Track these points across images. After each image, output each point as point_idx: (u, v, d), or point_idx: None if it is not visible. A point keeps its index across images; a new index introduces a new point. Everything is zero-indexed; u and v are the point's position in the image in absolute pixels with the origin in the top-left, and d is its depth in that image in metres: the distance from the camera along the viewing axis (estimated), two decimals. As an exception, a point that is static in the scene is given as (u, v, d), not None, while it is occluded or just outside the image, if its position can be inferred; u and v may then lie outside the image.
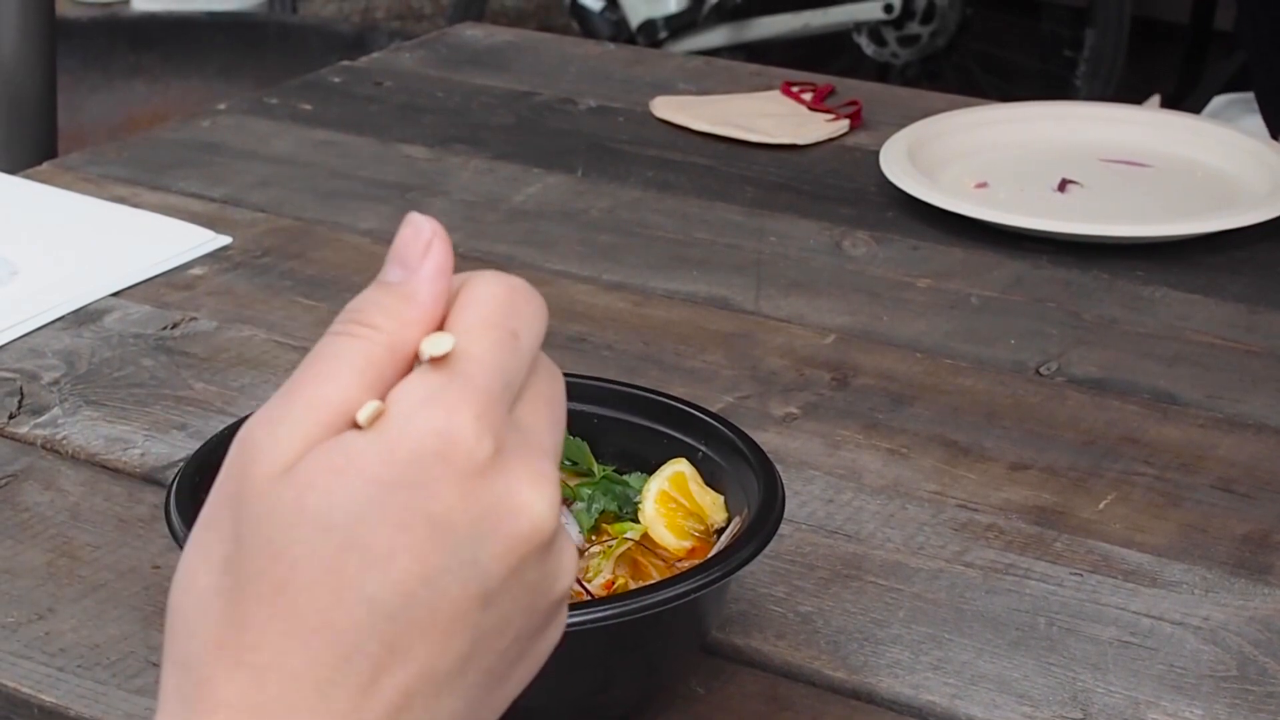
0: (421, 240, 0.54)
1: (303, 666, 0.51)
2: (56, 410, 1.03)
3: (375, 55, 1.67)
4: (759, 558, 0.74)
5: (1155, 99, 2.55)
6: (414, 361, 0.53)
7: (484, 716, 0.55)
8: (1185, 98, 2.91)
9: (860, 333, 1.12)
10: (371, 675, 0.51)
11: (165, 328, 1.13)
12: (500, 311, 0.54)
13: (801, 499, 0.94)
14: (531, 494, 0.53)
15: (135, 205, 1.31)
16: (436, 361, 0.52)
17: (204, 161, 1.40)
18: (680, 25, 3.16)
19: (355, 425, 0.52)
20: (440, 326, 0.54)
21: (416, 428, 0.51)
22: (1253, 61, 1.93)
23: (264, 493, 0.52)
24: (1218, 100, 2.15)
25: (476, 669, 0.53)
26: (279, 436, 0.52)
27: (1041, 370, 1.08)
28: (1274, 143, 1.38)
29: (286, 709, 0.51)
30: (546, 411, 0.55)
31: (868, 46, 3.32)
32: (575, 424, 0.85)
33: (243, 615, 0.51)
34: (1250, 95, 1.90)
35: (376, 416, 0.52)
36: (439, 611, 0.52)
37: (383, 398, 0.52)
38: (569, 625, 0.69)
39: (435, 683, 0.52)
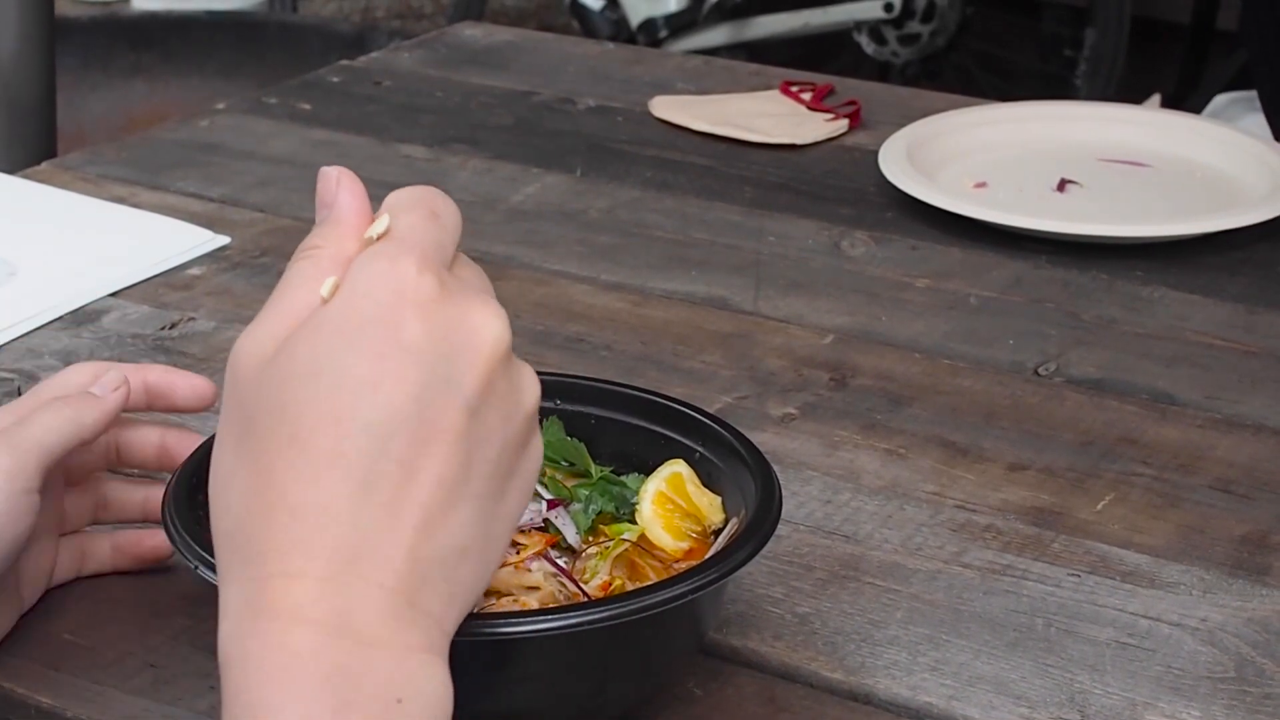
0: (333, 182, 0.65)
1: (329, 498, 0.58)
2: (55, 410, 1.03)
3: (374, 55, 1.67)
4: (756, 559, 0.74)
5: (1155, 99, 2.56)
6: None
7: (494, 528, 0.62)
8: (1186, 98, 2.91)
9: (859, 333, 1.12)
10: (392, 494, 0.59)
11: (164, 328, 1.13)
12: (416, 198, 0.65)
13: (799, 499, 0.94)
14: (483, 313, 0.62)
15: (134, 205, 1.31)
16: (377, 238, 0.63)
17: (203, 161, 1.40)
18: (680, 24, 3.16)
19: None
20: None
21: (368, 279, 0.61)
22: (1255, 61, 1.93)
23: (258, 375, 0.61)
24: (1219, 100, 2.15)
25: (478, 476, 0.61)
26: (256, 337, 0.62)
27: (1040, 370, 1.08)
28: (1274, 143, 1.38)
29: (324, 539, 0.58)
30: (476, 272, 0.65)
31: (868, 45, 3.32)
32: (573, 425, 0.85)
33: (266, 473, 0.59)
34: (1251, 94, 1.90)
35: (335, 289, 0.61)
36: (432, 424, 0.60)
37: None
38: (566, 627, 0.69)
39: (446, 492, 0.60)
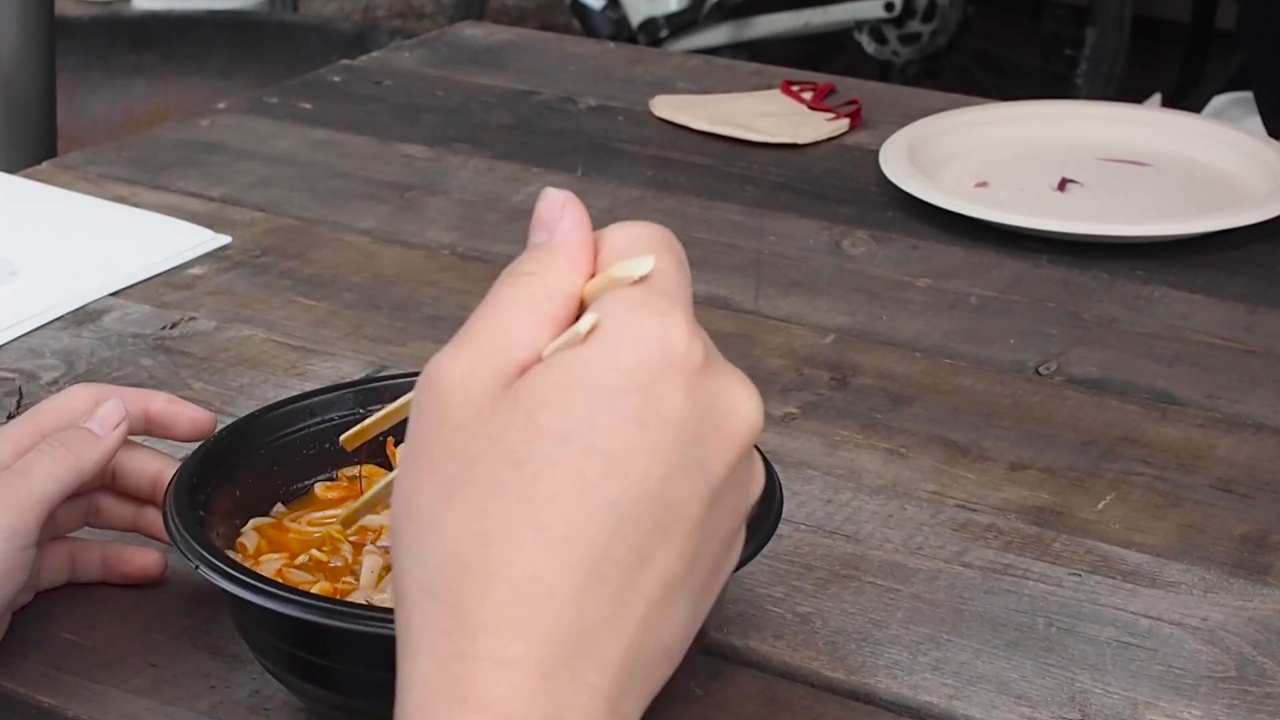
0: (557, 204, 0.58)
1: (558, 577, 0.52)
2: (55, 410, 1.03)
3: (375, 54, 1.67)
4: (757, 558, 0.74)
5: (1156, 98, 2.55)
6: (578, 302, 0.56)
7: (695, 626, 0.56)
8: (1186, 97, 2.91)
9: (859, 332, 1.12)
10: (623, 584, 0.53)
11: (164, 327, 1.13)
12: (665, 242, 0.58)
13: (800, 499, 0.93)
14: (743, 392, 0.56)
15: (135, 204, 1.31)
16: (638, 281, 0.55)
17: (203, 161, 1.40)
18: (681, 23, 3.16)
19: (539, 359, 0.55)
20: (593, 273, 0.57)
21: (635, 334, 0.54)
22: (1253, 62, 1.93)
23: (483, 410, 0.53)
24: (1219, 100, 2.15)
25: (699, 571, 0.55)
26: (470, 368, 0.54)
27: (1041, 370, 1.08)
28: (1274, 142, 1.38)
29: (546, 625, 0.51)
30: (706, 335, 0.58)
31: (868, 45, 3.32)
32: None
33: (487, 531, 0.52)
34: (1252, 94, 1.90)
35: (592, 332, 0.54)
36: (675, 511, 0.53)
37: (556, 338, 0.55)
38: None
39: (671, 587, 0.54)
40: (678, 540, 0.54)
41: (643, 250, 0.57)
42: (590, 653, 0.52)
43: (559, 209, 0.58)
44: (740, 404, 0.56)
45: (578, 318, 0.56)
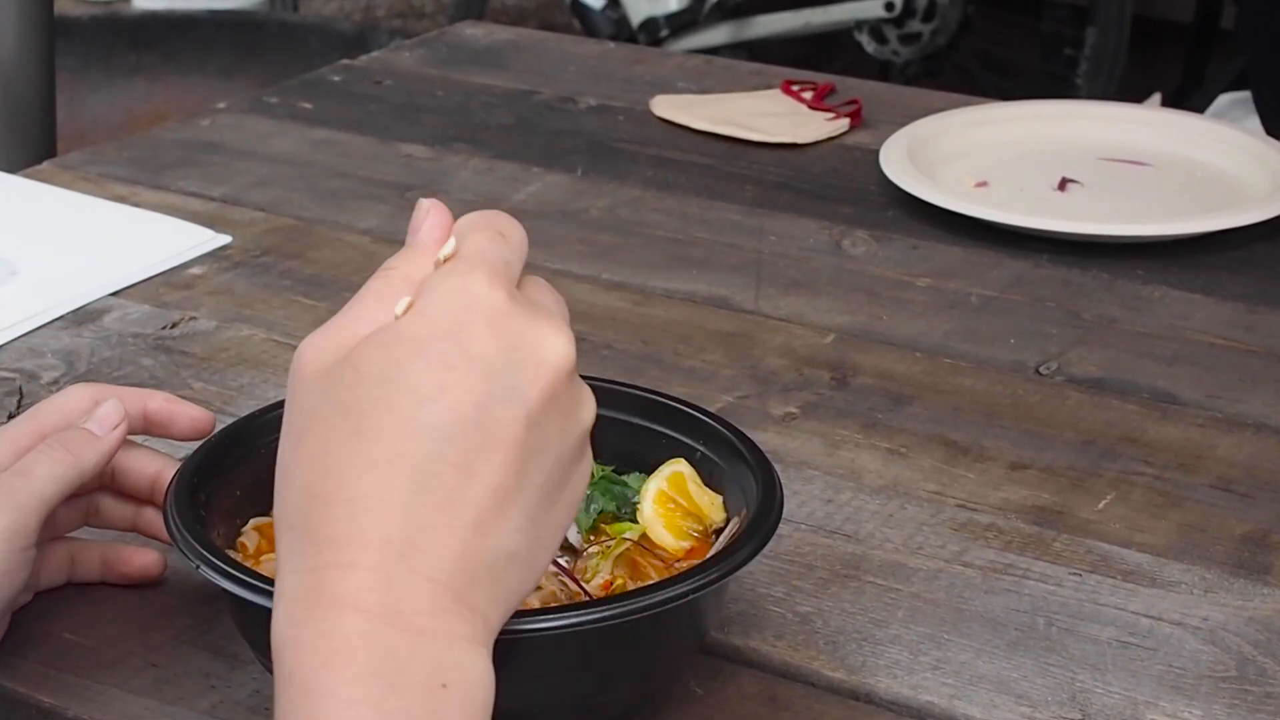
0: (423, 211, 0.69)
1: (384, 492, 0.61)
2: (56, 410, 1.03)
3: (375, 54, 1.67)
4: (758, 558, 0.74)
5: (1156, 98, 2.55)
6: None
7: (543, 536, 0.64)
8: (1188, 97, 2.91)
9: (860, 332, 1.12)
10: (446, 494, 0.61)
11: (165, 327, 1.13)
12: (485, 219, 0.68)
13: (800, 499, 0.93)
14: (551, 329, 0.64)
15: (135, 204, 1.31)
16: (445, 259, 0.66)
17: (204, 161, 1.40)
18: (681, 23, 3.16)
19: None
20: None
21: (440, 294, 0.64)
22: (1252, 63, 1.93)
23: (321, 377, 0.63)
24: (1221, 99, 2.15)
25: (531, 485, 0.63)
26: (322, 344, 0.64)
27: (1041, 370, 1.08)
28: (1274, 142, 1.38)
29: (377, 531, 0.60)
30: (548, 291, 0.68)
31: (869, 44, 3.32)
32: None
33: (325, 467, 0.62)
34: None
35: (409, 307, 0.64)
36: (491, 433, 0.62)
37: None
38: (567, 627, 0.69)
39: (500, 497, 0.62)
40: (498, 457, 0.62)
41: (465, 227, 0.67)
42: (422, 551, 0.60)
43: (424, 214, 0.68)
44: (549, 337, 0.64)
45: None
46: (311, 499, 0.62)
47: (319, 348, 0.64)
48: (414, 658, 0.59)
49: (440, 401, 0.61)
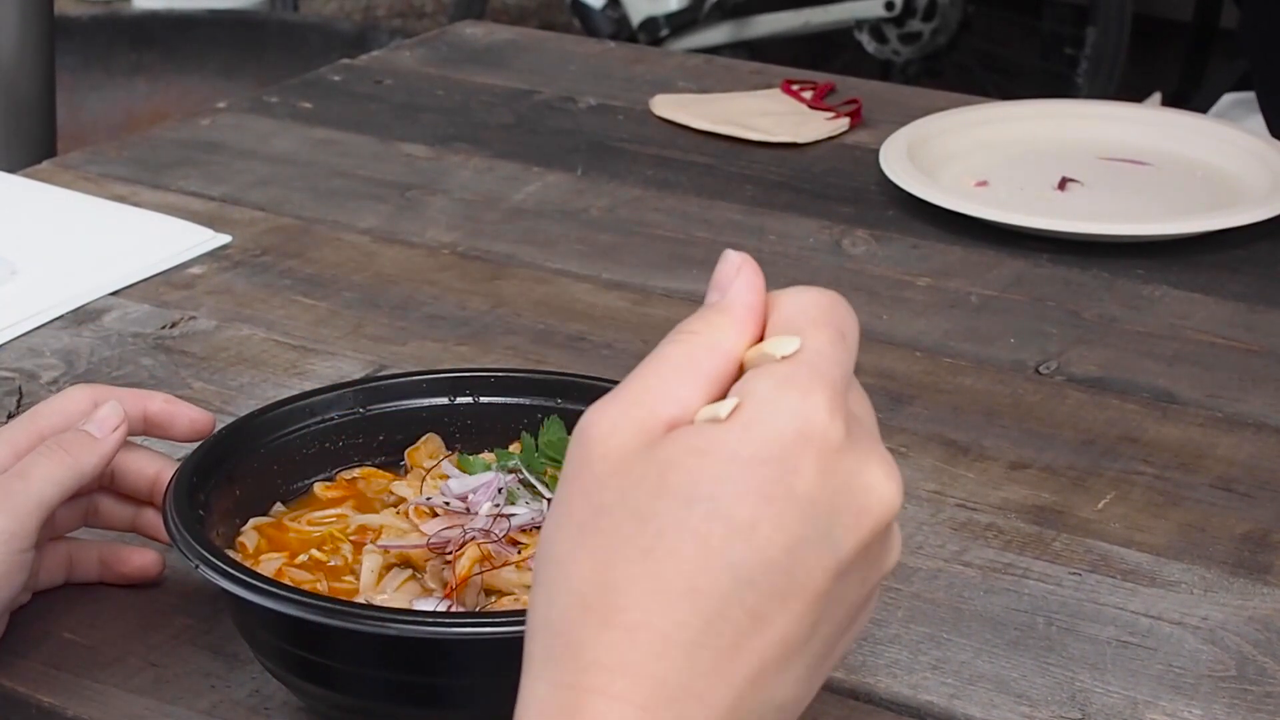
0: (733, 267, 0.61)
1: (670, 628, 0.55)
2: (55, 409, 1.03)
3: (375, 53, 1.67)
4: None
5: (1156, 97, 2.55)
6: (738, 364, 0.59)
7: (814, 685, 0.59)
8: (1189, 96, 2.91)
9: (860, 331, 1.12)
10: (734, 640, 0.55)
11: (164, 327, 1.13)
12: (827, 314, 0.60)
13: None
14: (881, 473, 0.57)
15: (135, 204, 1.31)
16: (785, 359, 0.58)
17: (204, 160, 1.40)
18: (682, 23, 3.16)
19: (689, 418, 0.57)
20: (761, 337, 0.59)
21: (774, 410, 0.56)
22: (1254, 63, 1.93)
23: (622, 465, 0.56)
24: (1225, 99, 2.15)
25: (819, 637, 0.57)
26: (620, 421, 0.57)
27: (1041, 369, 1.08)
28: (1274, 141, 1.38)
29: (654, 668, 0.55)
30: (867, 405, 0.60)
31: (869, 44, 3.32)
32: (574, 424, 0.84)
33: (609, 579, 0.55)
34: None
35: (734, 410, 0.56)
36: (797, 581, 0.56)
37: (711, 396, 0.58)
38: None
39: (787, 651, 0.56)
40: (798, 608, 0.56)
41: (807, 318, 0.59)
42: (695, 699, 0.55)
43: (734, 271, 0.60)
44: (878, 484, 0.57)
45: (738, 379, 0.58)
46: (586, 610, 0.55)
47: (615, 424, 0.57)
48: None
49: (751, 539, 0.55)
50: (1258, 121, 1.98)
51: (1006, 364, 1.08)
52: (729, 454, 0.56)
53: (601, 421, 0.57)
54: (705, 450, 0.56)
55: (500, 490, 0.81)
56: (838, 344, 0.59)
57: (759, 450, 0.56)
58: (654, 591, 0.55)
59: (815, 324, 0.59)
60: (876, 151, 1.36)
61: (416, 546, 0.79)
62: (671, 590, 0.55)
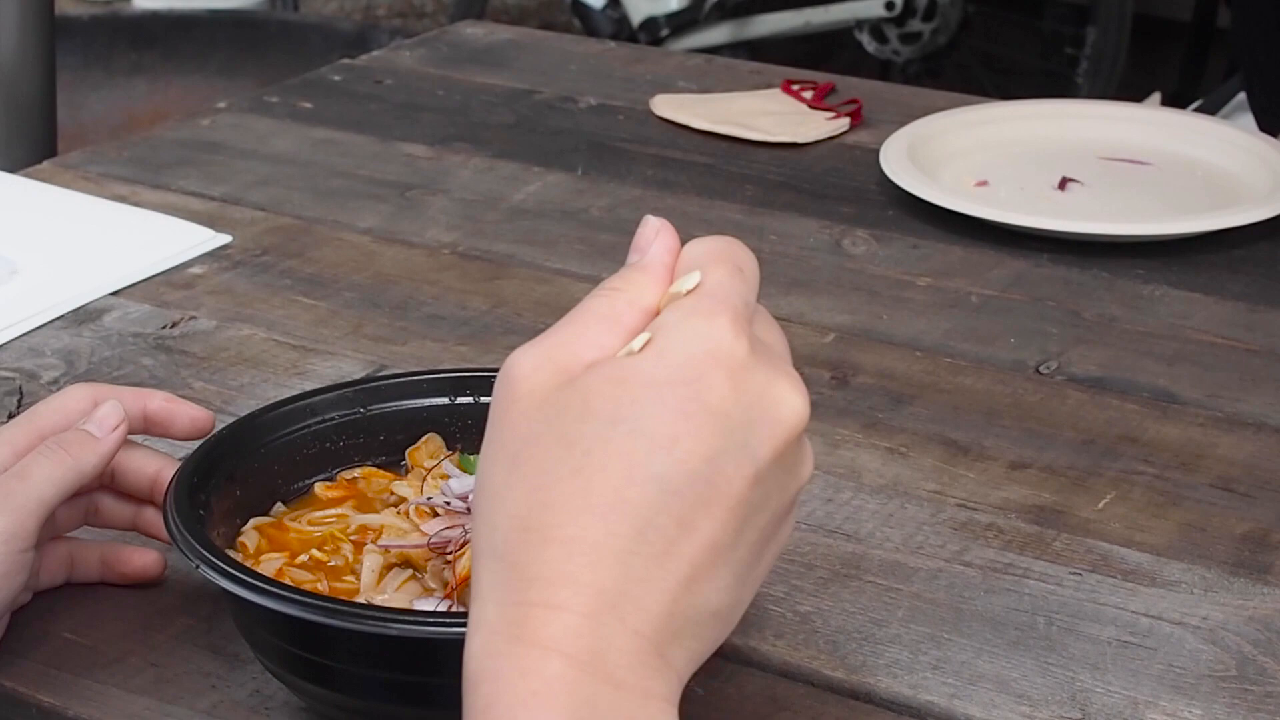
0: (652, 230, 0.66)
1: (603, 537, 0.59)
2: (56, 409, 1.03)
3: (376, 53, 1.67)
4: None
5: (1155, 97, 2.55)
6: (653, 315, 0.63)
7: (744, 593, 0.63)
8: (1187, 96, 2.91)
9: (860, 331, 1.12)
10: (664, 548, 0.59)
11: (165, 327, 1.13)
12: (724, 252, 0.65)
13: (801, 498, 0.93)
14: (788, 384, 0.62)
15: (135, 204, 1.31)
16: (688, 293, 0.63)
17: (204, 160, 1.40)
18: (682, 23, 3.16)
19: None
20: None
21: (682, 335, 0.61)
22: (1243, 62, 1.93)
23: (545, 398, 0.61)
24: (1240, 98, 2.14)
25: (745, 543, 0.61)
26: (541, 362, 0.62)
27: (1041, 369, 1.08)
28: (1275, 140, 1.38)
29: (591, 577, 0.58)
30: (776, 331, 0.65)
31: (869, 44, 3.32)
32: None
33: (543, 499, 0.60)
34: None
35: (646, 344, 0.61)
36: (718, 488, 0.60)
37: (628, 342, 0.62)
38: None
39: (715, 554, 0.60)
40: (721, 513, 0.60)
41: (707, 258, 0.64)
42: (633, 603, 0.59)
43: (653, 234, 0.65)
44: (786, 395, 0.62)
45: None
46: (526, 532, 0.59)
47: (536, 364, 0.62)
48: (612, 710, 0.58)
49: (671, 452, 0.59)
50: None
51: (1006, 364, 1.08)
52: (646, 378, 0.60)
53: (524, 362, 0.62)
54: (623, 378, 0.60)
55: (500, 490, 0.81)
56: (735, 276, 0.64)
57: (672, 372, 0.60)
58: (586, 507, 0.59)
59: (714, 261, 0.64)
60: (876, 151, 1.36)
61: (417, 546, 0.79)
62: (602, 504, 0.59)
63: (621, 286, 0.64)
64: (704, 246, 0.65)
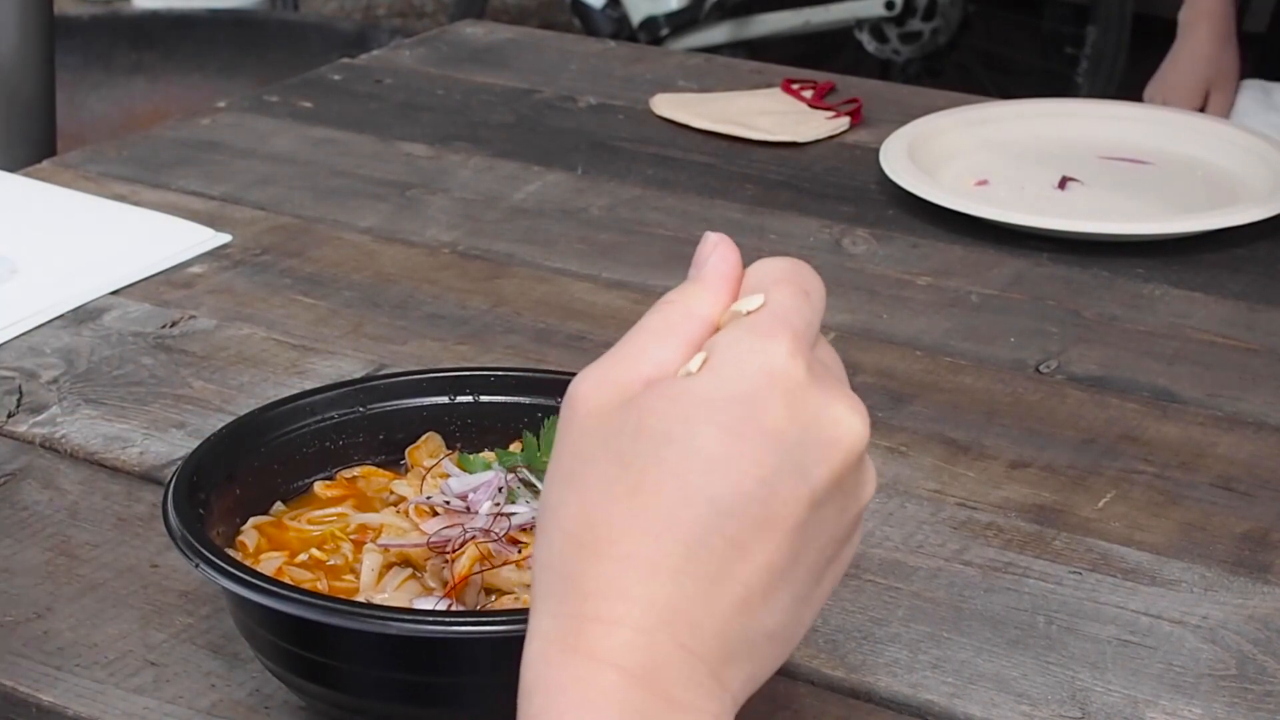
0: (710, 245, 0.65)
1: (658, 556, 0.59)
2: (55, 409, 1.03)
3: (376, 53, 1.67)
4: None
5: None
6: (713, 328, 0.63)
7: (805, 615, 0.62)
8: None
9: (860, 330, 1.12)
10: (718, 568, 0.59)
11: (164, 326, 1.13)
12: (790, 274, 0.64)
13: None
14: (845, 407, 0.61)
15: (135, 203, 1.31)
16: (749, 313, 0.62)
17: (204, 159, 1.40)
18: (682, 22, 3.17)
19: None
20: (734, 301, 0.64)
21: (739, 354, 0.61)
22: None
23: (603, 416, 0.61)
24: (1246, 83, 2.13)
25: (802, 566, 0.61)
26: (601, 381, 0.62)
27: (1041, 368, 1.08)
28: (1275, 140, 1.38)
29: (644, 591, 0.59)
30: (835, 357, 0.65)
31: (869, 43, 3.32)
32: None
33: (599, 517, 0.60)
34: (1270, 85, 1.88)
35: (703, 365, 0.61)
36: (773, 510, 0.59)
37: (689, 358, 0.62)
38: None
39: (771, 576, 0.60)
40: (776, 536, 0.60)
41: (771, 279, 0.64)
42: (686, 621, 0.59)
43: (710, 249, 0.65)
44: (844, 417, 0.61)
45: None
46: (580, 547, 0.60)
47: (596, 383, 0.62)
48: None
49: (725, 473, 0.59)
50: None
51: (1007, 363, 1.08)
52: (700, 397, 0.60)
53: (584, 382, 0.62)
54: (677, 396, 0.60)
55: (500, 489, 0.81)
56: (800, 298, 0.63)
57: (727, 391, 0.60)
58: (639, 526, 0.59)
59: (778, 283, 0.64)
60: (876, 151, 1.36)
61: (417, 545, 0.79)
62: (655, 523, 0.59)
63: (677, 299, 0.64)
64: (770, 266, 0.64)
